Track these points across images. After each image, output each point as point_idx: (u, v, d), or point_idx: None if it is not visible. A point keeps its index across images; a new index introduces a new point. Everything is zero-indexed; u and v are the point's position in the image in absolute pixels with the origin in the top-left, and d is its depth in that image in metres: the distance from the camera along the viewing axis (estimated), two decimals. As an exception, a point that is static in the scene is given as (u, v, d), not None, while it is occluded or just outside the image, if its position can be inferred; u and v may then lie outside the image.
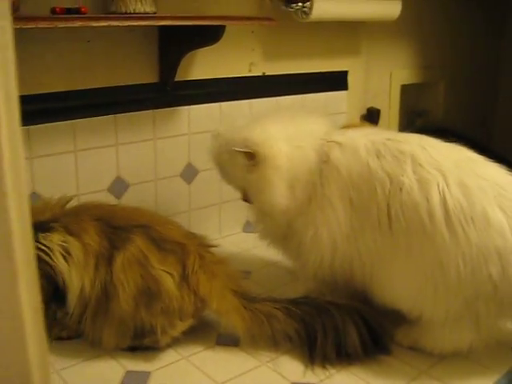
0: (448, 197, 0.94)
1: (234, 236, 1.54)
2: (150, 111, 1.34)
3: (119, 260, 0.99)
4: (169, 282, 0.99)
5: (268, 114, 1.18)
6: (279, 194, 1.05)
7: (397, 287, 1.02)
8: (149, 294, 0.98)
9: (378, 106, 1.87)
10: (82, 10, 1.06)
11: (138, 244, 1.01)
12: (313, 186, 1.06)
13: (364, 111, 1.84)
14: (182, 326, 1.02)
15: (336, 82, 1.73)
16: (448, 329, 0.99)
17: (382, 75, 1.90)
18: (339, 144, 1.06)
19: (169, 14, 1.19)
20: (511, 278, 0.92)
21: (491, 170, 1.01)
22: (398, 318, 1.07)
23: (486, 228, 0.92)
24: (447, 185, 0.95)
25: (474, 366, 1.03)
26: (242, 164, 1.06)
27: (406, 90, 2.01)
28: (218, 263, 1.06)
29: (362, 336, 1.02)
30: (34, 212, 0.71)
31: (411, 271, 0.99)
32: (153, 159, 1.37)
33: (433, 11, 2.00)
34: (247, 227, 1.56)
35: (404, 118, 2.07)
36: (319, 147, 1.07)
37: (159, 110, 1.36)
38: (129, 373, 0.98)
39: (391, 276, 1.02)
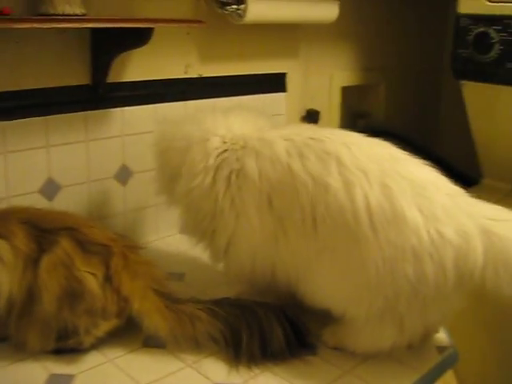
0: (371, 198, 0.96)
1: (170, 237, 1.54)
2: (82, 113, 1.34)
3: (45, 262, 0.99)
4: (92, 283, 0.99)
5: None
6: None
7: (322, 287, 1.04)
8: (72, 294, 0.98)
9: (317, 108, 1.89)
10: (4, 11, 1.05)
11: (64, 246, 1.01)
12: (230, 192, 1.07)
13: (303, 113, 1.87)
14: (105, 326, 1.02)
15: (274, 84, 1.75)
16: (370, 328, 1.01)
17: (322, 77, 1.93)
18: (255, 150, 1.07)
19: (97, 17, 1.19)
20: (427, 277, 0.95)
21: (414, 167, 1.03)
22: (325, 319, 1.09)
23: (403, 228, 0.95)
24: (370, 186, 0.97)
25: (397, 365, 1.05)
26: None
27: (346, 91, 2.04)
28: (142, 264, 1.07)
29: (287, 336, 1.03)
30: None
31: (336, 271, 1.00)
32: (85, 161, 1.36)
33: (373, 13, 2.04)
34: (184, 229, 1.56)
35: (345, 119, 2.11)
36: (234, 152, 1.09)
37: (91, 111, 1.35)
38: (52, 376, 0.97)
39: (317, 277, 1.03)
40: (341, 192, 0.97)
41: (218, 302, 1.04)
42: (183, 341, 1.02)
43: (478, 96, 1.83)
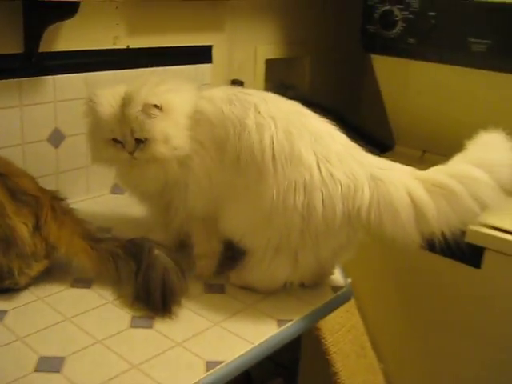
0: (275, 140, 1.13)
1: (101, 197, 1.67)
2: (16, 80, 1.44)
3: None
4: (24, 231, 1.11)
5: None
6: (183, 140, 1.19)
7: (233, 219, 1.20)
8: (5, 240, 1.10)
9: (242, 79, 2.03)
10: None
11: None
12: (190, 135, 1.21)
13: (229, 83, 2.00)
14: (37, 267, 1.15)
15: (200, 55, 1.88)
16: (267, 263, 1.17)
17: (247, 50, 2.06)
18: (204, 97, 1.22)
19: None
20: (316, 210, 1.11)
21: (316, 122, 1.20)
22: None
23: (299, 165, 1.12)
24: (276, 130, 1.14)
25: (295, 300, 1.23)
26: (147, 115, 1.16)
27: (272, 64, 2.18)
28: (67, 213, 1.20)
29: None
30: None
31: (245, 206, 1.17)
32: (20, 125, 1.47)
33: (296, -12, 2.17)
34: (115, 189, 1.69)
35: (273, 90, 2.24)
36: (194, 101, 1.23)
37: (25, 79, 1.45)
38: (-14, 312, 1.10)
39: (232, 211, 1.20)
40: (253, 132, 1.14)
41: (131, 240, 1.19)
42: (107, 277, 1.18)
43: (386, 69, 2.00)
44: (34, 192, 1.17)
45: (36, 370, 0.97)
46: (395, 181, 1.12)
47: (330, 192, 1.11)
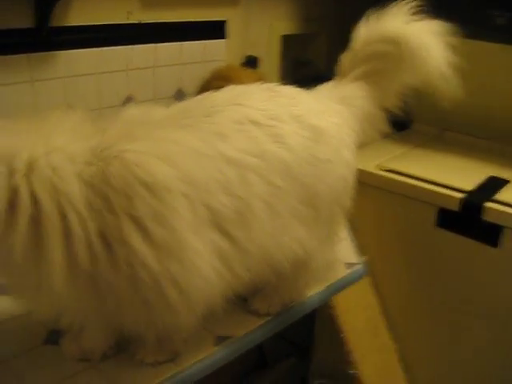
0: None
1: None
2: (26, 55, 1.43)
3: None
4: None
5: None
6: None
7: None
8: None
9: (257, 55, 2.00)
10: None
11: None
12: None
13: (243, 59, 1.97)
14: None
15: (214, 31, 1.85)
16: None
17: (262, 25, 2.03)
18: None
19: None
20: None
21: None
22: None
23: None
24: None
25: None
26: None
27: (287, 40, 2.15)
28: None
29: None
30: None
31: None
32: (31, 100, 1.46)
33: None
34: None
35: (287, 67, 2.22)
36: None
37: (35, 53, 1.44)
38: None
39: None
40: None
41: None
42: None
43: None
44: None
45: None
46: None
47: None
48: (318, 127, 1.00)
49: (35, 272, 0.80)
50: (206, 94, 1.01)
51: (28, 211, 0.77)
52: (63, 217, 0.78)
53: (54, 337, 1.00)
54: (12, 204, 0.77)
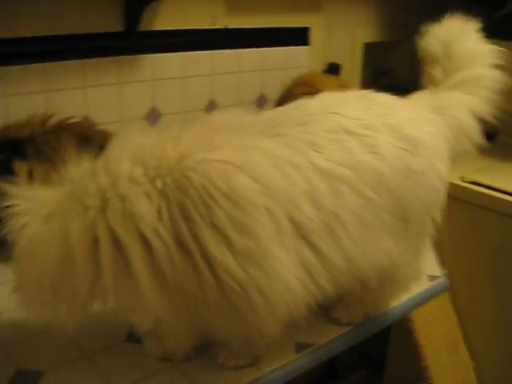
0: None
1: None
2: (115, 58, 1.46)
3: None
4: None
5: None
6: None
7: None
8: None
9: (339, 62, 1.99)
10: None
11: None
12: None
13: (325, 66, 1.96)
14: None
15: (298, 37, 1.85)
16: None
17: (345, 33, 2.01)
18: None
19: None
20: None
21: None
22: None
23: None
24: None
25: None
26: None
27: (370, 47, 2.13)
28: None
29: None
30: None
31: None
32: (118, 102, 1.49)
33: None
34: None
35: (368, 75, 2.19)
36: None
37: (124, 57, 1.47)
38: None
39: None
40: None
41: None
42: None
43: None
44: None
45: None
46: None
47: None
48: (413, 137, 0.96)
49: (129, 293, 0.82)
50: (298, 103, 1.00)
51: (110, 249, 0.79)
52: (142, 237, 0.79)
53: (135, 335, 1.00)
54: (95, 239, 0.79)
